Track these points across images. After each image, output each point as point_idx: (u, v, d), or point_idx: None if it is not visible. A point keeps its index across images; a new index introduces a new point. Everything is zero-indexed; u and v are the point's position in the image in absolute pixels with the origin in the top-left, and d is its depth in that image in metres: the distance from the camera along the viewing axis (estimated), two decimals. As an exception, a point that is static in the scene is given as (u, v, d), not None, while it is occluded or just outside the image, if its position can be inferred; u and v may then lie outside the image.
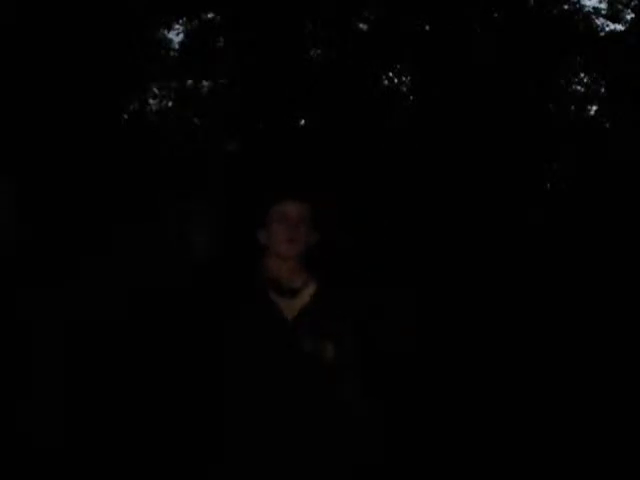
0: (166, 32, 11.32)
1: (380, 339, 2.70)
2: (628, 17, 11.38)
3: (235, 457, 2.46)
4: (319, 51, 11.12)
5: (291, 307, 2.55)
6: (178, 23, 11.24)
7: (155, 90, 11.47)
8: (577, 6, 11.46)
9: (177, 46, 11.57)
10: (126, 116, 11.00)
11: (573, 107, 11.62)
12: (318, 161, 8.91)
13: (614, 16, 11.40)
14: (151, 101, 11.48)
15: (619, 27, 11.41)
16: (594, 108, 11.81)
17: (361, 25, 11.09)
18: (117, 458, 4.36)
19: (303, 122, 11.08)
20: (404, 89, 11.36)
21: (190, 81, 11.46)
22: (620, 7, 11.38)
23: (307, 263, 2.62)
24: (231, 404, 2.48)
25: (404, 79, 11.28)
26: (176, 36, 11.51)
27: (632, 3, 11.33)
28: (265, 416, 2.45)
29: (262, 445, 2.44)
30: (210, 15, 11.24)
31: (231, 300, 2.54)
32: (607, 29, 11.45)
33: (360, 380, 2.57)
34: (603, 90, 11.68)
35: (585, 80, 11.68)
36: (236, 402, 2.48)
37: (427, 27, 10.74)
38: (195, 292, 2.63)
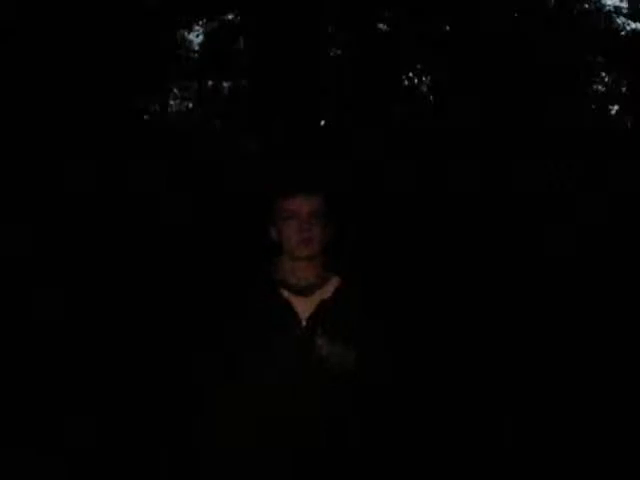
0: (186, 33, 11.38)
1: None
2: (649, 16, 11.33)
3: (227, 458, 2.38)
4: (339, 51, 11.13)
5: (308, 305, 2.41)
6: (198, 24, 11.29)
7: (175, 91, 11.53)
8: (597, 5, 11.42)
9: (197, 47, 11.65)
10: (147, 117, 11.07)
11: (594, 106, 11.58)
12: (331, 156, 8.89)
13: (635, 15, 11.34)
14: (172, 102, 11.54)
15: (640, 26, 11.39)
16: (615, 107, 11.78)
17: (381, 25, 11.09)
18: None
19: (323, 122, 11.09)
20: (424, 89, 11.35)
21: (210, 82, 11.51)
22: (641, 6, 11.33)
23: (327, 260, 2.49)
24: (234, 406, 2.38)
25: (424, 79, 11.28)
26: (196, 37, 11.57)
27: (653, 2, 11.28)
28: (263, 419, 2.34)
29: (253, 447, 2.35)
30: (230, 16, 11.27)
31: (241, 300, 2.44)
32: (628, 28, 11.40)
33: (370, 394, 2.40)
34: (624, 89, 11.64)
35: (606, 79, 11.64)
36: (240, 404, 2.37)
37: (447, 27, 10.73)
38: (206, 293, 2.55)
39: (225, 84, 11.70)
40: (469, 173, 9.76)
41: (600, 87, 11.73)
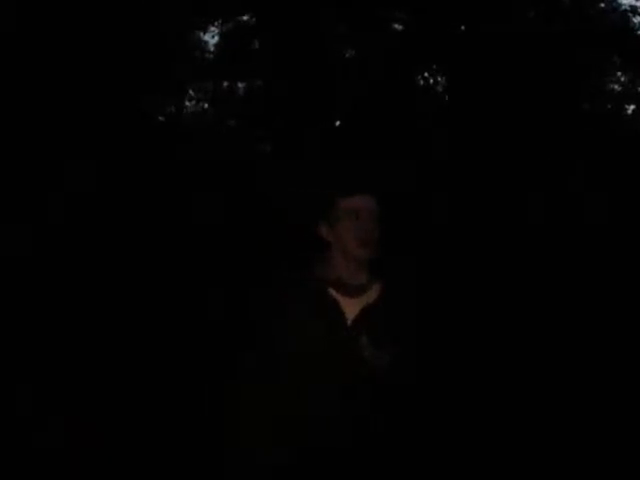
0: (202, 34, 11.41)
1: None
2: (665, 15, 11.28)
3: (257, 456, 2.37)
4: (354, 52, 11.14)
5: (354, 307, 2.41)
6: (213, 25, 11.31)
7: (191, 92, 11.56)
8: (613, 4, 11.39)
9: (212, 48, 11.68)
10: (162, 118, 11.11)
11: (610, 106, 11.55)
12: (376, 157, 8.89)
13: (651, 14, 11.30)
14: (187, 103, 11.57)
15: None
16: (631, 107, 11.75)
17: (396, 25, 11.09)
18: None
19: (338, 123, 11.11)
20: (439, 89, 11.34)
21: (226, 83, 11.52)
22: (657, 5, 11.27)
23: (376, 262, 2.48)
24: (271, 404, 2.37)
25: (439, 79, 11.27)
26: (211, 38, 11.59)
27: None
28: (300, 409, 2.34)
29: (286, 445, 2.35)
30: (245, 17, 11.29)
31: (288, 298, 2.42)
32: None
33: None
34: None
35: (622, 79, 11.61)
36: (282, 398, 2.36)
37: (462, 27, 10.72)
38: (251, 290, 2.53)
39: (240, 85, 11.71)
40: (483, 173, 9.75)
41: (616, 87, 11.70)
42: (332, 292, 2.42)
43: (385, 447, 2.40)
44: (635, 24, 11.35)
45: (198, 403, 4.51)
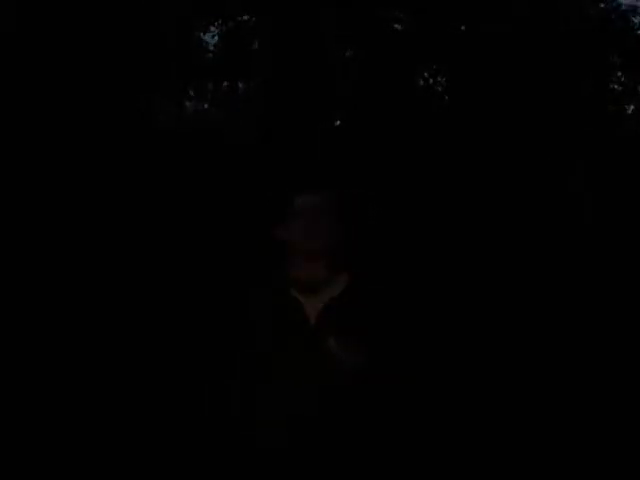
0: (202, 34, 11.40)
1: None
2: (666, 15, 11.29)
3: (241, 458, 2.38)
4: (354, 52, 11.14)
5: (317, 304, 2.41)
6: (213, 25, 11.31)
7: (191, 92, 11.55)
8: (613, 4, 11.40)
9: (212, 48, 11.66)
10: (162, 118, 11.10)
11: (610, 106, 11.54)
12: (343, 157, 8.92)
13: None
14: (187, 103, 11.57)
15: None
16: (632, 107, 11.74)
17: (396, 25, 11.09)
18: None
19: (338, 123, 11.11)
20: (439, 89, 11.35)
21: (226, 83, 11.52)
22: (657, 5, 11.29)
23: (335, 258, 2.48)
24: (244, 406, 2.38)
25: (440, 79, 11.27)
26: (211, 38, 11.58)
27: (670, 1, 11.25)
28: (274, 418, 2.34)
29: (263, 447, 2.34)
30: (245, 17, 11.29)
31: (250, 299, 2.45)
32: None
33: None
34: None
35: (622, 79, 11.61)
36: (250, 404, 2.38)
37: (462, 27, 10.72)
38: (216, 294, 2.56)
39: (240, 84, 11.71)
40: (481, 174, 9.75)
41: (616, 87, 11.70)
42: (293, 291, 2.44)
43: (365, 449, 2.39)
44: (635, 24, 11.37)
45: (197, 403, 4.51)
